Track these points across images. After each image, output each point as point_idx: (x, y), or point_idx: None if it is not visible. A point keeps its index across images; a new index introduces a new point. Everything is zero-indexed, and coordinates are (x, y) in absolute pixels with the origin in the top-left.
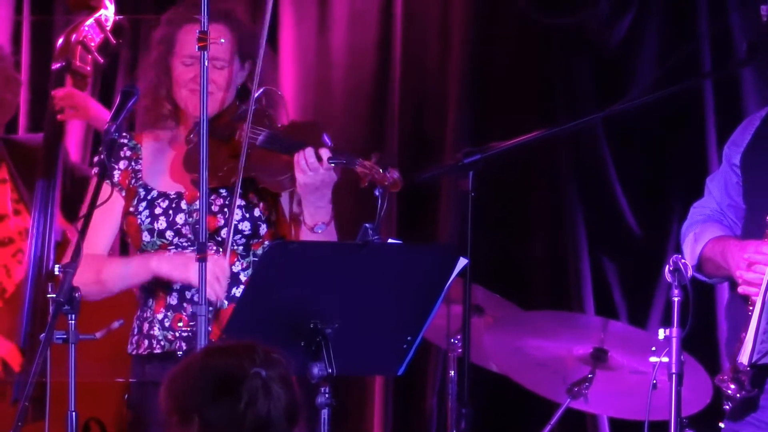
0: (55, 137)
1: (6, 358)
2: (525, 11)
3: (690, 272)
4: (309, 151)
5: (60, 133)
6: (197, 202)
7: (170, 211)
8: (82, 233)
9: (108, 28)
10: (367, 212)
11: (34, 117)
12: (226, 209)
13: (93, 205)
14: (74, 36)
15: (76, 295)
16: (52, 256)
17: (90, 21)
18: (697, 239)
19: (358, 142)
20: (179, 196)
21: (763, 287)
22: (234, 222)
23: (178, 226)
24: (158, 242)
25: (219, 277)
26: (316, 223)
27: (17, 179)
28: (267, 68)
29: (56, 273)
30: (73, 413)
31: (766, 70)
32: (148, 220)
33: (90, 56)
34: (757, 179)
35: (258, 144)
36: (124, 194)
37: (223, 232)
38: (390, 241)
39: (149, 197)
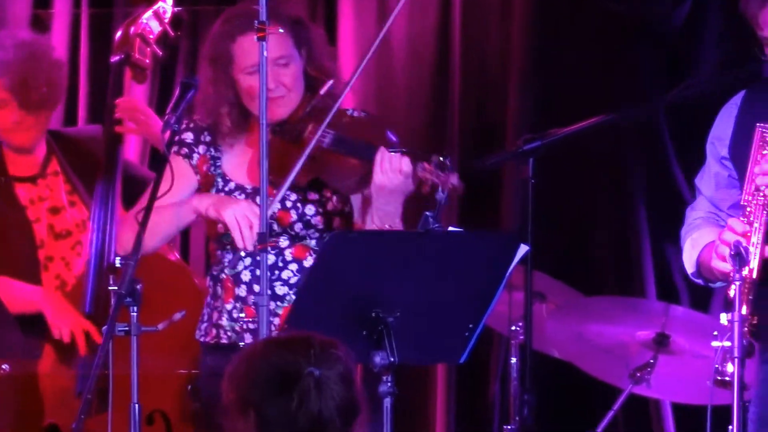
0: (113, 141)
1: (90, 331)
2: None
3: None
4: (393, 157)
5: (119, 139)
6: (272, 199)
7: None
8: (143, 225)
9: (166, 21)
10: (428, 201)
11: (93, 109)
12: (299, 205)
13: (154, 197)
14: (133, 28)
15: (138, 287)
16: (113, 249)
17: (148, 13)
18: (694, 245)
19: (420, 130)
20: (255, 191)
21: None
22: (307, 217)
23: None
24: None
25: (253, 224)
26: (383, 227)
27: (69, 171)
28: (324, 59)
29: (117, 265)
30: (136, 405)
31: None
32: None
33: (149, 49)
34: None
35: (325, 146)
36: (199, 178)
37: (296, 226)
38: (451, 228)
39: (227, 188)
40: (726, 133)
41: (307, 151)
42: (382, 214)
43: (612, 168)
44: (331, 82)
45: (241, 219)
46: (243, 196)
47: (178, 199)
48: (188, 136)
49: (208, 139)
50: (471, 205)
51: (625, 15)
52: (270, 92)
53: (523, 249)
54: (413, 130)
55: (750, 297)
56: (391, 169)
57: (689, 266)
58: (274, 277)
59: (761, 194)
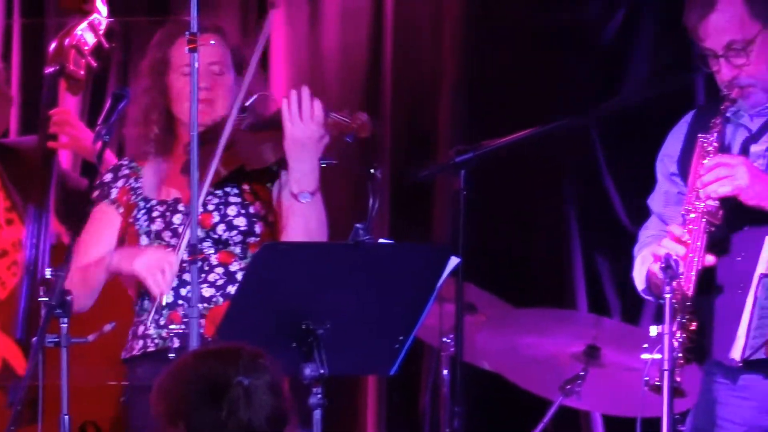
0: (48, 155)
1: (7, 358)
2: (518, 8)
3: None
4: (295, 96)
5: (53, 153)
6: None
7: (167, 213)
8: (74, 237)
9: (101, 32)
10: (359, 212)
11: (25, 121)
12: (221, 207)
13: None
14: (68, 40)
15: (68, 298)
16: (46, 261)
17: (83, 25)
18: (644, 262)
19: (353, 142)
20: (176, 201)
21: (754, 283)
22: (230, 218)
23: (175, 226)
24: (155, 244)
25: (164, 269)
26: (301, 190)
27: (9, 187)
28: (255, 82)
29: (48, 277)
30: (66, 416)
31: None
32: (146, 224)
33: (84, 60)
34: None
35: (243, 127)
36: (122, 211)
37: (219, 228)
38: (381, 240)
39: (148, 206)
40: (675, 149)
41: (225, 134)
42: (299, 175)
43: (543, 179)
44: (256, 95)
45: (152, 267)
46: (164, 206)
47: (109, 245)
48: (107, 177)
49: (126, 172)
50: (402, 217)
51: (558, 25)
52: (200, 92)
53: (453, 261)
54: (345, 143)
55: (688, 303)
56: (302, 117)
57: (639, 283)
58: (200, 280)
59: (701, 203)
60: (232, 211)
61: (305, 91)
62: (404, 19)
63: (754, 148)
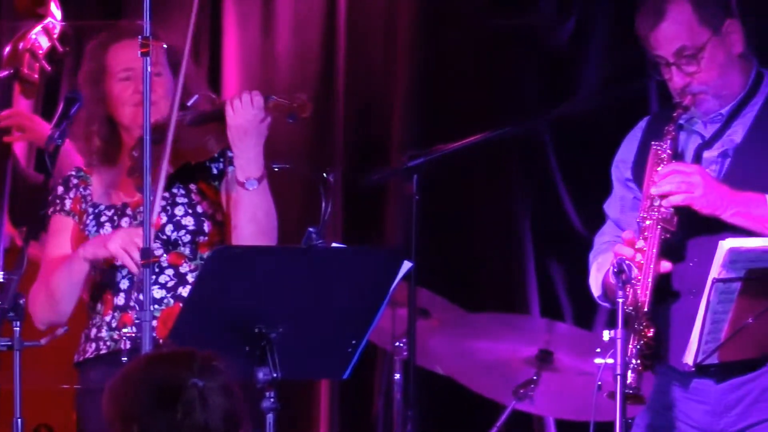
0: (1, 156)
1: None
2: (471, 13)
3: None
4: (244, 94)
5: (7, 152)
6: (142, 207)
7: (115, 218)
8: (27, 240)
9: (55, 36)
10: (311, 216)
11: None
12: (168, 207)
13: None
14: (22, 44)
15: (21, 301)
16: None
17: (38, 29)
18: (600, 269)
19: (304, 146)
20: (125, 205)
21: (707, 289)
22: (177, 218)
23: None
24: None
25: (139, 245)
26: (248, 177)
27: None
28: (193, 82)
29: (1, 280)
30: (19, 420)
31: None
32: (95, 229)
33: (38, 64)
34: None
35: (186, 123)
36: (76, 219)
37: (167, 229)
38: (334, 244)
39: (96, 211)
40: (630, 156)
41: (171, 130)
42: (244, 162)
43: (496, 184)
44: (197, 96)
45: (127, 245)
46: (112, 211)
47: (64, 252)
48: (59, 189)
49: (75, 181)
50: (355, 221)
51: (510, 31)
52: (140, 95)
53: (406, 265)
54: (298, 147)
55: (644, 310)
56: (243, 105)
57: (596, 289)
58: (151, 282)
59: (655, 210)
60: (179, 211)
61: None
62: (357, 23)
63: (707, 155)
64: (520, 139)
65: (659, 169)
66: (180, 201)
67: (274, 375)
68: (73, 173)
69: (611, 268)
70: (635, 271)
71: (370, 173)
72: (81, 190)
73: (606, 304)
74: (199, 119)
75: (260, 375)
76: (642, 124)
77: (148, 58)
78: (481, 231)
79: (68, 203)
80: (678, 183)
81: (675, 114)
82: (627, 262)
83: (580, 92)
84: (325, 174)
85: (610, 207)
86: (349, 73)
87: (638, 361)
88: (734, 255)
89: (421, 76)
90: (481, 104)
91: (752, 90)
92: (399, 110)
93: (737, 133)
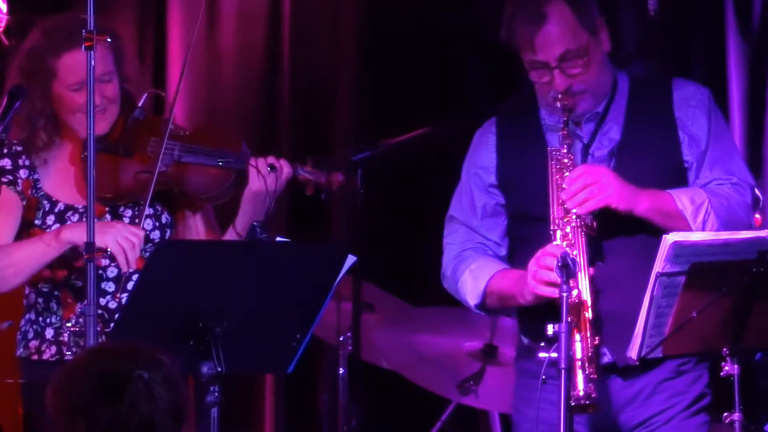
0: None
1: None
2: (414, 8)
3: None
4: (264, 161)
5: None
6: (107, 216)
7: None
8: None
9: (0, 30)
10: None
11: None
12: (136, 220)
13: None
14: None
15: None
16: None
17: None
18: (477, 276)
19: (250, 142)
20: (87, 210)
21: (651, 282)
22: (146, 232)
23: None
24: (69, 254)
25: (135, 244)
26: (239, 232)
27: None
28: (134, 72)
29: None
30: None
31: (656, 65)
32: (56, 227)
33: None
34: (524, 192)
35: (177, 159)
36: (25, 203)
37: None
38: (278, 239)
39: (56, 210)
40: (490, 161)
41: (158, 165)
42: (249, 218)
43: (442, 178)
44: (146, 94)
45: (124, 242)
46: (77, 216)
47: (12, 234)
48: (6, 163)
49: (27, 162)
50: (300, 215)
51: (454, 26)
52: (96, 107)
53: (351, 259)
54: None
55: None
56: (268, 174)
57: (472, 298)
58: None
59: (573, 217)
60: (147, 225)
61: (265, 160)
62: (301, 19)
63: (598, 154)
64: (466, 133)
65: (566, 174)
66: (147, 213)
67: (218, 369)
68: (22, 152)
69: (556, 262)
70: (580, 266)
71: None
72: (32, 174)
73: (481, 312)
74: (197, 159)
75: (204, 369)
76: (491, 128)
77: (92, 52)
78: (426, 225)
79: (20, 182)
80: (592, 186)
81: (564, 118)
82: (571, 255)
83: (525, 86)
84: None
85: (466, 213)
86: (294, 69)
87: (591, 369)
88: (678, 249)
89: (367, 71)
90: (426, 99)
91: (614, 86)
92: (344, 105)
93: (613, 130)
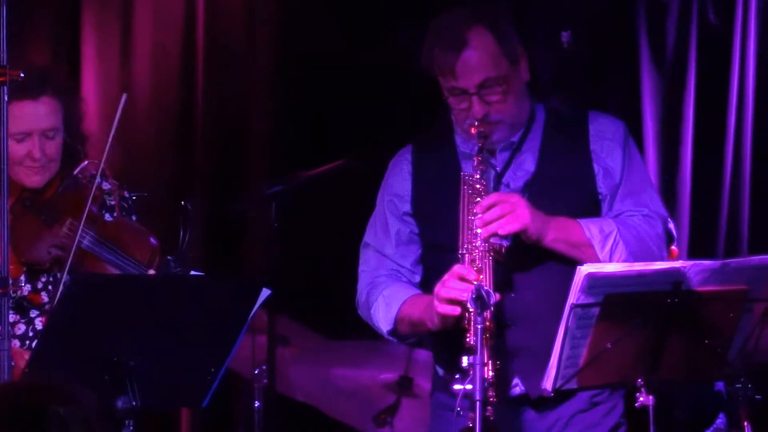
0: None
1: None
2: (333, 41)
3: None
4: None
5: None
6: (21, 278)
7: None
8: None
9: None
10: (171, 245)
11: None
12: (50, 287)
13: None
14: None
15: None
16: None
17: None
18: (390, 302)
19: (165, 177)
20: None
21: (565, 313)
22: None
23: None
24: None
25: None
26: None
27: None
28: (83, 128)
29: None
30: None
31: (572, 98)
32: None
33: None
34: (437, 222)
35: (83, 246)
36: None
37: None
38: (192, 273)
39: None
40: (404, 189)
41: (72, 252)
42: None
43: (356, 212)
44: (86, 162)
45: None
46: None
47: None
48: None
49: None
50: (216, 249)
51: (374, 57)
52: (35, 162)
53: (265, 293)
54: (159, 178)
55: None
56: None
57: (385, 324)
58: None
59: (481, 242)
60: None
61: None
62: (216, 54)
63: (512, 185)
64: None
65: (478, 200)
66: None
67: (133, 403)
68: None
69: (469, 294)
70: (494, 297)
71: (230, 201)
72: None
73: (393, 339)
74: (100, 254)
75: (119, 403)
76: (407, 155)
77: (5, 87)
78: (341, 258)
79: None
80: (507, 213)
81: (480, 144)
82: (485, 288)
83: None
84: (183, 202)
85: (380, 240)
86: (208, 101)
87: (492, 394)
88: (592, 280)
89: (282, 104)
90: (345, 134)
91: (531, 116)
92: (259, 138)
93: (528, 161)
